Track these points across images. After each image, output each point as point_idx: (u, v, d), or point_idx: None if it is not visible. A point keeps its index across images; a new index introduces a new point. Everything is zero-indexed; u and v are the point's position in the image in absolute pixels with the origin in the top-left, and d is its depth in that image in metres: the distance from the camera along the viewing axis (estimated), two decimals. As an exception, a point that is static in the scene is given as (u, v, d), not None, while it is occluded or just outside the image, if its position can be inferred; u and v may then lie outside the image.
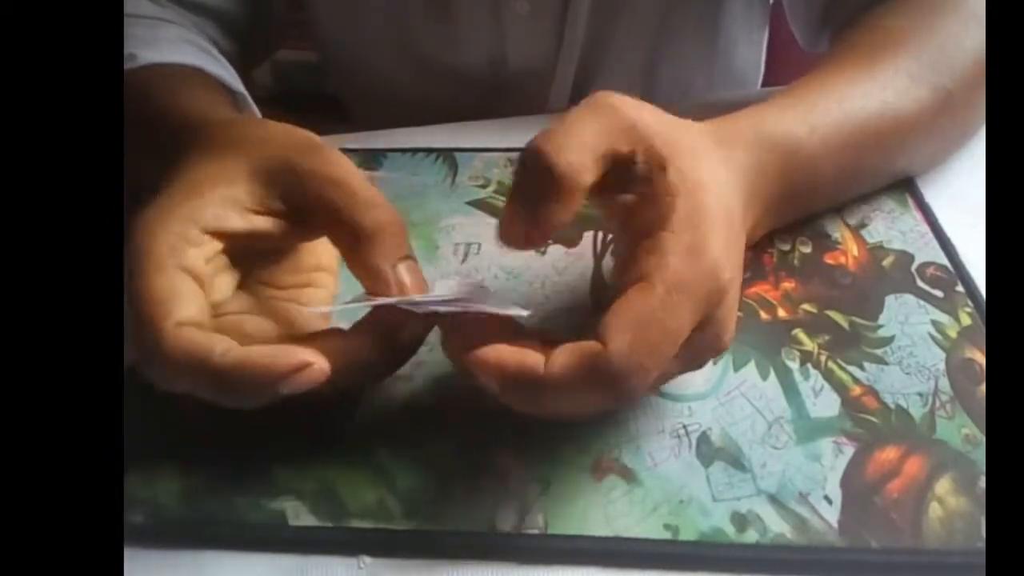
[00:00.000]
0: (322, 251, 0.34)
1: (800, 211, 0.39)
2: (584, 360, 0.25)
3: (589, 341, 0.25)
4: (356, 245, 0.28)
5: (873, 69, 0.39)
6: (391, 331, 0.28)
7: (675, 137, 0.28)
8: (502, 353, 0.26)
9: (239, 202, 0.29)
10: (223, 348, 0.26)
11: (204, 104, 0.39)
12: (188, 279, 0.27)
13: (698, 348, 0.27)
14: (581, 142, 0.27)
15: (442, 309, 0.27)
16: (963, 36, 0.40)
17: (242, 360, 0.25)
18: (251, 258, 0.31)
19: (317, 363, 0.26)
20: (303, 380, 0.26)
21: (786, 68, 0.71)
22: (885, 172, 0.41)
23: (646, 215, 0.27)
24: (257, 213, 0.29)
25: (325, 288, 0.34)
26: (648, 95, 0.65)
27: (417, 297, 0.27)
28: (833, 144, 0.36)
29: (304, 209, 0.29)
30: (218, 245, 0.29)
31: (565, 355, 0.25)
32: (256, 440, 0.31)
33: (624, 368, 0.24)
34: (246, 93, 0.46)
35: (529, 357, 0.25)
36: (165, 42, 0.45)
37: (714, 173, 0.29)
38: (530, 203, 0.27)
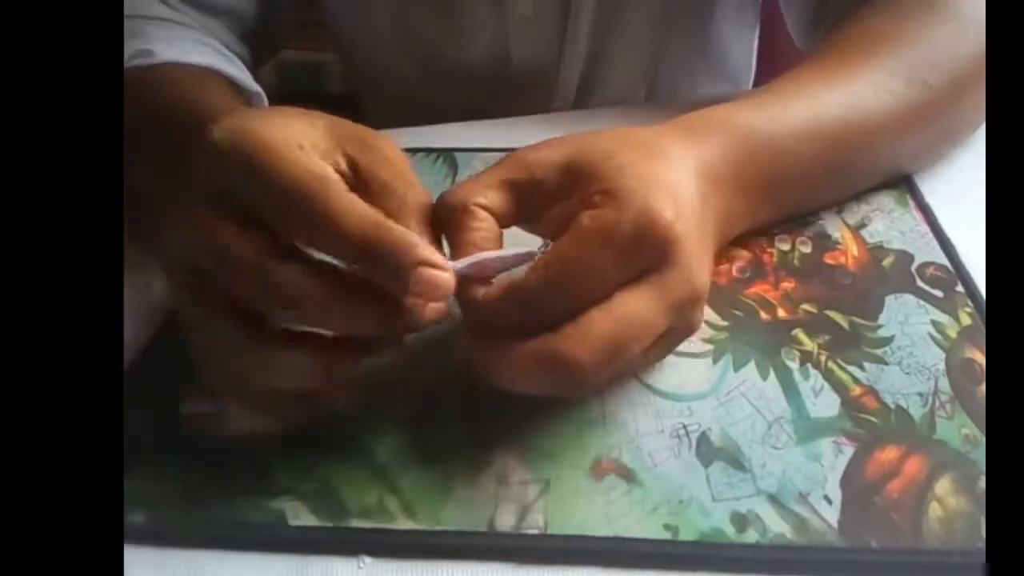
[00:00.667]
0: None
1: (782, 206, 0.39)
2: (509, 286, 0.27)
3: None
4: (398, 217, 0.29)
5: (848, 65, 0.39)
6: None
7: (592, 149, 0.30)
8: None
9: (315, 145, 0.29)
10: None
11: (230, 103, 0.39)
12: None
13: (671, 292, 0.28)
14: (474, 180, 0.30)
15: (460, 268, 0.28)
16: (944, 35, 0.40)
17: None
18: None
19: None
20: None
21: (779, 68, 0.72)
22: (869, 167, 0.41)
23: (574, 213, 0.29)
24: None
25: None
26: (650, 94, 0.66)
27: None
28: (802, 134, 0.36)
29: (360, 176, 0.29)
30: None
31: (497, 286, 0.28)
32: (256, 440, 0.31)
33: (537, 288, 0.27)
34: (261, 92, 0.46)
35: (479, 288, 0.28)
36: (182, 41, 0.45)
37: (650, 164, 0.30)
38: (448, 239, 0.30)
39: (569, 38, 0.57)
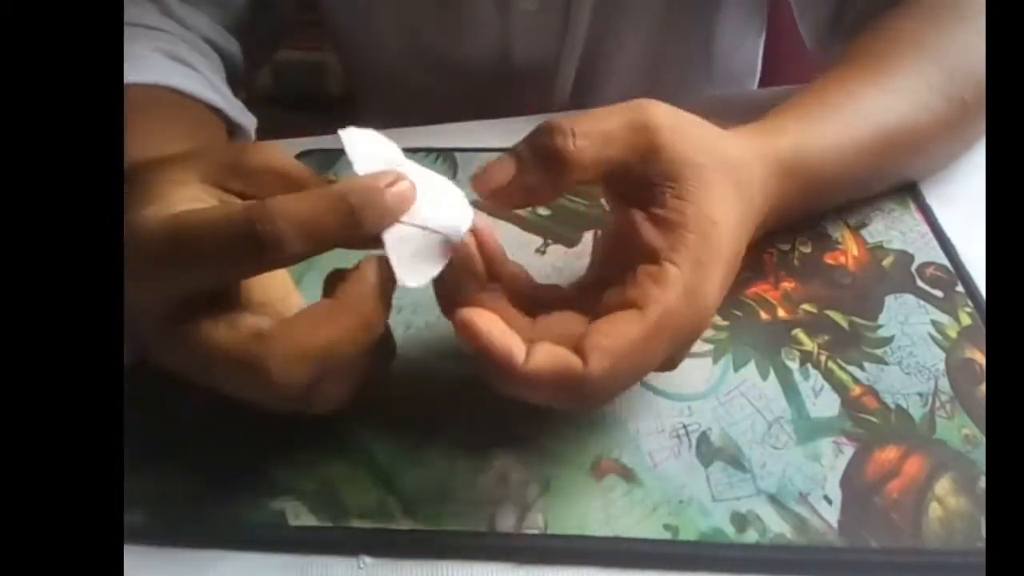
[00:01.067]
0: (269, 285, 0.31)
1: (807, 216, 0.39)
2: (561, 370, 0.25)
3: (570, 354, 0.25)
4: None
5: (894, 79, 0.39)
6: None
7: (699, 163, 0.28)
8: (492, 329, 0.26)
9: (200, 199, 0.27)
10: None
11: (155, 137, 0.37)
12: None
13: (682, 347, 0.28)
14: (600, 140, 0.28)
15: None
16: (978, 43, 0.40)
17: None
18: None
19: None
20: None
21: (782, 69, 0.72)
22: (898, 179, 0.42)
23: (655, 238, 0.27)
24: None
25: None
26: (649, 93, 0.66)
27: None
28: (853, 159, 0.36)
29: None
30: None
31: (544, 357, 0.25)
32: (256, 440, 0.31)
33: (595, 390, 0.25)
34: (223, 107, 0.45)
35: (515, 344, 0.25)
36: (135, 59, 0.43)
37: (729, 207, 0.28)
38: (523, 168, 0.28)
39: (569, 34, 0.57)
